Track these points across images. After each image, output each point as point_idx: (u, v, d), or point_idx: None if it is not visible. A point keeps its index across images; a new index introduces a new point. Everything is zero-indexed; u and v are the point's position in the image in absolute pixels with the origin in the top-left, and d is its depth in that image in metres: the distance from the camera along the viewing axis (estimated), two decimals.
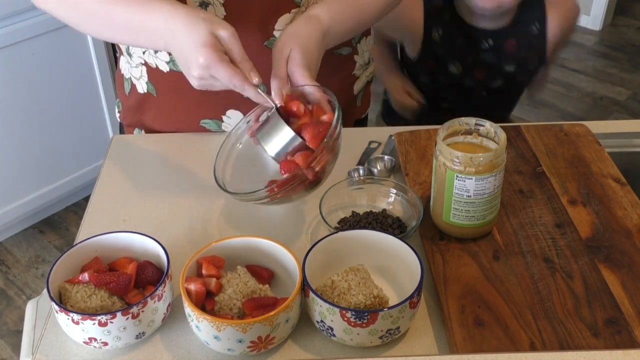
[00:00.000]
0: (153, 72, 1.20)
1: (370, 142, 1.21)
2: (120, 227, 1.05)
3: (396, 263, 0.91)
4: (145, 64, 1.20)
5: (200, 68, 0.91)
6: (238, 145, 1.05)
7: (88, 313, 0.82)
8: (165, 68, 1.18)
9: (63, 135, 2.42)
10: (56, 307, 0.82)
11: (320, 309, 0.82)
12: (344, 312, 0.80)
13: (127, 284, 0.86)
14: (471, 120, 0.98)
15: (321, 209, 1.01)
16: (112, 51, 2.45)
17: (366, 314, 0.80)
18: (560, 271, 0.93)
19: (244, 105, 1.17)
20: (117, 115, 1.34)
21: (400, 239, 0.90)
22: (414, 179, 1.11)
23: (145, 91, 1.23)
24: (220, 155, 1.03)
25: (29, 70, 2.24)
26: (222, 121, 1.22)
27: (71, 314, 0.81)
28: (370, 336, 0.82)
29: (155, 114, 1.25)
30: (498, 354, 0.81)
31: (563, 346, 0.82)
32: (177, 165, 1.19)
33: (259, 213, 1.08)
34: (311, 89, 0.97)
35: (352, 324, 0.80)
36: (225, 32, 0.92)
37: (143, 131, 1.30)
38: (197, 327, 0.82)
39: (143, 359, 0.85)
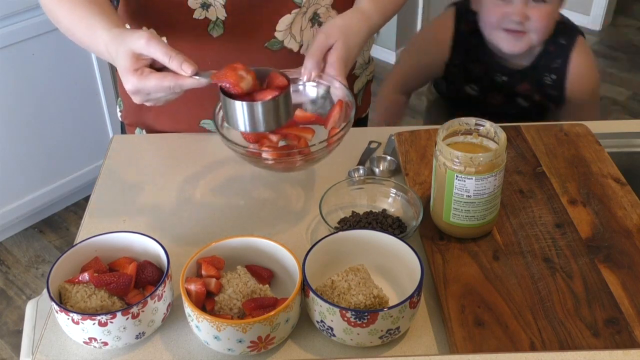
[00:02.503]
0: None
1: (370, 142, 1.21)
2: (120, 227, 1.05)
3: (396, 263, 0.91)
4: None
5: (132, 94, 0.92)
6: None
7: (88, 313, 0.82)
8: None
9: (63, 135, 2.42)
10: (56, 307, 0.82)
11: (320, 309, 0.82)
12: (344, 312, 0.80)
13: (128, 284, 0.86)
14: (471, 120, 0.98)
15: (321, 209, 1.01)
16: None
17: (366, 314, 0.80)
18: (560, 271, 0.93)
19: None
20: (119, 114, 1.34)
21: (400, 239, 0.90)
22: (414, 179, 1.11)
23: None
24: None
25: (29, 70, 2.24)
26: None
27: (71, 314, 0.81)
28: (370, 336, 0.82)
29: (156, 113, 1.25)
30: (498, 354, 0.81)
31: (563, 346, 0.82)
32: (177, 165, 1.19)
33: (259, 213, 1.08)
34: (338, 85, 0.99)
35: (352, 324, 0.80)
36: (140, 43, 0.90)
37: (144, 131, 1.29)
38: (197, 327, 0.82)
39: (143, 359, 0.85)
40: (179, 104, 1.22)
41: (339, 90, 0.99)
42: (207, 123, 1.24)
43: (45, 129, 2.37)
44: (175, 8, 1.10)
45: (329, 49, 1.00)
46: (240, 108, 0.90)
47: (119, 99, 1.35)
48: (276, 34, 1.13)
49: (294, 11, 1.12)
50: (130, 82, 0.91)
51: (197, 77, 0.90)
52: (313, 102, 1.03)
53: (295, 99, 0.97)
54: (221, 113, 0.97)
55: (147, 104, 0.95)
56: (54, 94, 2.33)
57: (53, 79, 2.31)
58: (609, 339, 0.83)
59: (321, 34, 1.00)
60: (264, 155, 0.95)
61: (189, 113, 1.23)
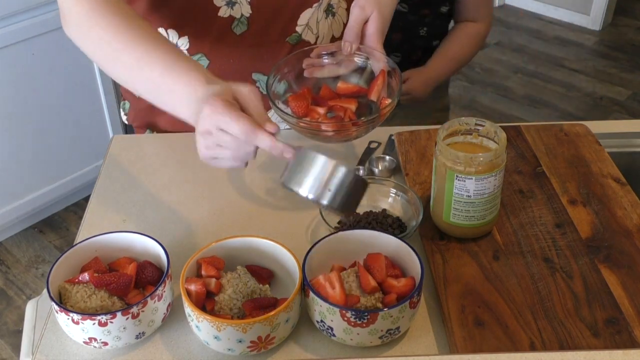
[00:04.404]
0: None
1: (370, 142, 1.21)
2: (120, 227, 1.05)
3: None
4: None
5: (205, 118, 0.81)
6: None
7: (88, 313, 0.82)
8: None
9: (63, 135, 2.42)
10: (56, 307, 0.82)
11: (320, 309, 0.82)
12: (344, 312, 0.80)
13: (128, 285, 0.86)
14: (471, 120, 0.98)
15: (321, 209, 1.01)
16: None
17: (366, 314, 0.80)
18: (560, 271, 0.93)
19: (264, 103, 1.17)
20: (124, 117, 1.34)
21: (400, 239, 0.90)
22: (414, 179, 1.11)
23: None
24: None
25: (29, 70, 2.24)
26: None
27: (71, 314, 0.81)
28: (370, 336, 0.82)
29: (170, 114, 1.24)
30: (498, 354, 0.81)
31: (563, 346, 0.82)
32: (177, 165, 1.19)
33: (259, 213, 1.08)
34: (379, 55, 1.01)
35: (352, 324, 0.80)
36: (245, 88, 0.84)
37: (155, 132, 1.29)
38: (197, 327, 0.82)
39: (143, 359, 0.85)
40: None
41: (380, 61, 1.02)
42: None
43: (45, 129, 2.37)
44: (200, 6, 1.11)
45: (366, 22, 1.02)
46: (325, 166, 0.79)
47: (123, 101, 1.34)
48: (297, 29, 1.14)
49: (314, 5, 1.14)
50: (210, 105, 0.81)
51: (276, 140, 0.80)
52: (354, 73, 1.06)
53: (336, 71, 1.03)
54: (275, 87, 1.00)
55: (208, 153, 0.85)
56: (54, 94, 2.33)
57: (53, 79, 2.31)
58: (609, 339, 0.83)
59: (356, 7, 1.03)
60: (323, 127, 0.96)
61: None
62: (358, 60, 1.05)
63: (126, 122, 1.34)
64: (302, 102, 0.98)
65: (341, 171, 0.79)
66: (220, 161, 0.86)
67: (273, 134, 0.81)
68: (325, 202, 0.80)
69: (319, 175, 0.79)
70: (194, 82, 0.87)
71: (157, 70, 0.90)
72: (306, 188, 0.80)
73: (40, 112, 2.33)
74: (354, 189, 0.82)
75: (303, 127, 0.97)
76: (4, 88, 2.20)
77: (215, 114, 0.80)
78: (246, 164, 0.86)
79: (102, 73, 2.42)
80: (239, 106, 0.83)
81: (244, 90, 0.84)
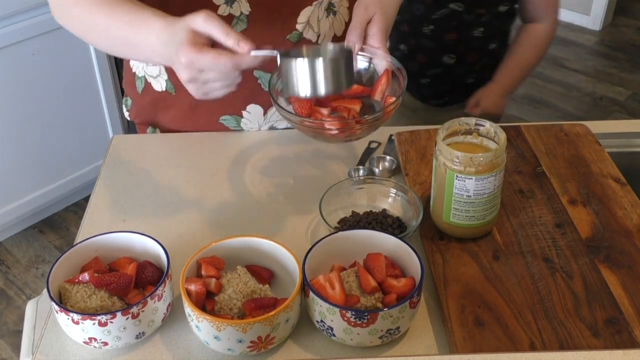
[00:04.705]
0: (172, 70, 1.19)
1: (370, 142, 1.21)
2: (120, 227, 1.05)
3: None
4: None
5: (185, 68, 0.88)
6: None
7: (88, 313, 0.82)
8: None
9: (63, 135, 2.42)
10: (56, 307, 0.82)
11: (320, 309, 0.82)
12: (344, 312, 0.80)
13: (128, 285, 0.86)
14: (471, 120, 0.98)
15: (321, 209, 1.01)
16: None
17: (366, 314, 0.80)
18: (560, 271, 0.93)
19: (264, 99, 1.19)
20: (126, 113, 1.34)
21: (401, 239, 0.90)
22: (414, 179, 1.11)
23: (164, 89, 1.23)
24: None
25: (29, 70, 2.24)
26: (242, 117, 1.22)
27: (71, 314, 0.81)
28: (370, 336, 0.82)
29: (173, 112, 1.25)
30: (498, 354, 0.81)
31: (563, 346, 0.82)
32: (177, 165, 1.19)
33: (259, 213, 1.08)
34: (382, 55, 1.01)
35: (352, 324, 0.80)
36: (199, 19, 0.88)
37: (158, 130, 1.29)
38: (197, 327, 0.82)
39: (143, 359, 0.85)
40: (199, 101, 1.20)
41: (383, 61, 1.02)
42: (226, 119, 1.23)
43: (45, 129, 2.37)
44: (199, 4, 1.10)
45: (369, 22, 1.02)
46: (302, 66, 0.87)
47: (125, 97, 1.35)
48: (297, 27, 1.14)
49: (314, 2, 1.14)
50: (184, 54, 0.86)
51: (255, 53, 0.87)
52: (358, 74, 1.05)
53: None
54: (278, 85, 0.99)
55: (200, 92, 0.90)
56: (54, 94, 2.33)
57: (53, 79, 2.31)
58: (609, 339, 0.83)
59: (360, 6, 1.03)
60: (327, 125, 0.96)
61: (209, 110, 1.23)
62: (361, 60, 1.04)
63: (128, 118, 1.34)
64: (305, 103, 0.97)
65: (319, 62, 0.87)
66: (214, 93, 0.91)
67: (249, 50, 0.87)
68: (322, 92, 0.88)
69: (304, 75, 0.87)
70: (154, 31, 0.92)
71: (124, 29, 0.96)
72: (300, 91, 0.88)
73: (40, 112, 2.33)
74: (343, 66, 0.89)
75: (307, 126, 0.97)
76: (4, 88, 2.20)
77: (191, 63, 0.86)
78: (238, 84, 0.91)
79: (102, 73, 2.42)
80: (205, 41, 0.88)
81: (200, 23, 0.88)
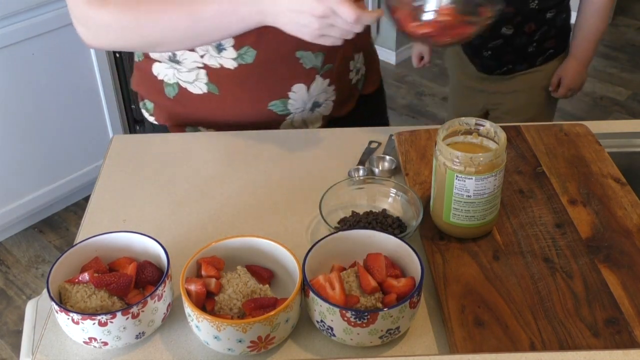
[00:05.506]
0: (215, 73, 1.20)
1: (370, 142, 1.21)
2: (120, 227, 1.05)
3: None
4: (205, 67, 1.20)
5: (320, 1, 0.92)
6: None
7: (88, 313, 0.82)
8: (232, 65, 1.18)
9: (63, 135, 2.42)
10: (56, 307, 0.82)
11: (320, 309, 0.82)
12: (344, 312, 0.80)
13: (128, 285, 0.86)
14: (471, 120, 0.98)
15: (321, 209, 1.01)
16: (113, 52, 2.44)
17: (366, 314, 0.80)
18: (560, 271, 0.93)
19: (307, 78, 1.21)
20: (151, 118, 1.32)
21: (401, 239, 0.90)
22: (414, 179, 1.11)
23: (205, 91, 1.22)
24: None
25: (29, 70, 2.24)
26: (289, 98, 1.23)
27: (71, 314, 0.81)
28: (370, 336, 0.82)
29: (219, 109, 1.25)
30: (498, 354, 0.81)
31: (563, 346, 0.82)
32: (177, 165, 1.19)
33: (259, 213, 1.08)
34: None
35: (352, 324, 0.80)
36: None
37: (202, 129, 1.29)
38: (197, 327, 0.82)
39: (143, 359, 0.85)
40: (244, 94, 1.22)
41: None
42: (274, 105, 1.23)
43: (45, 129, 2.37)
44: None
45: None
46: None
47: (142, 101, 1.33)
48: None
49: None
50: None
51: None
52: None
53: None
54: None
55: (315, 34, 0.96)
56: (54, 94, 2.34)
57: (53, 79, 2.31)
58: (609, 339, 0.83)
59: None
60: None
61: (256, 100, 1.23)
62: None
63: (154, 122, 1.32)
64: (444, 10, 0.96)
65: None
66: (327, 39, 0.97)
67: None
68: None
69: None
70: None
71: (212, 6, 1.02)
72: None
73: (40, 112, 2.33)
74: None
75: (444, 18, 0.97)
76: (4, 88, 2.21)
77: (327, 1, 0.92)
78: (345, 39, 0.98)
79: (102, 73, 2.42)
80: None
81: None
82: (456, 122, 0.98)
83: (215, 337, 0.81)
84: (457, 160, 0.92)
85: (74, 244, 0.92)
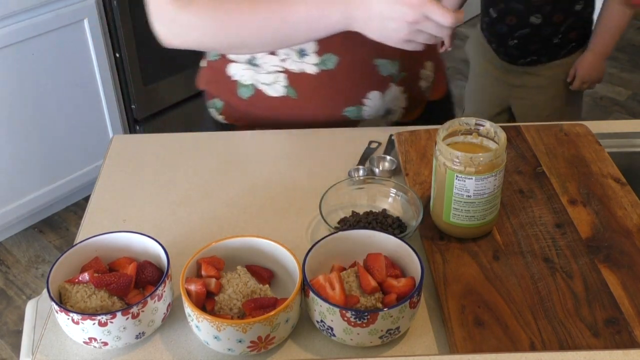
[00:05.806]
0: (295, 77, 1.20)
1: (370, 142, 1.21)
2: (120, 227, 1.05)
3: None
4: (285, 71, 1.20)
5: (412, 8, 0.94)
6: None
7: (88, 313, 0.82)
8: (313, 70, 1.18)
9: (63, 135, 2.42)
10: (56, 307, 0.82)
11: (320, 309, 0.82)
12: (344, 312, 0.80)
13: (128, 285, 0.86)
14: (471, 120, 0.98)
15: (321, 209, 1.01)
16: (113, 52, 2.44)
17: (366, 314, 0.80)
18: (560, 271, 0.93)
19: (383, 85, 1.22)
20: (219, 117, 1.31)
21: (401, 239, 0.90)
22: (414, 179, 1.11)
23: (284, 94, 1.22)
24: None
25: (29, 70, 2.24)
26: (364, 105, 1.23)
27: (71, 314, 0.81)
28: (370, 336, 0.82)
29: (295, 112, 1.25)
30: (498, 354, 0.81)
31: (563, 346, 0.82)
32: (177, 165, 1.19)
33: (259, 213, 1.08)
34: None
35: (352, 324, 0.80)
36: None
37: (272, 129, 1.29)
38: (197, 327, 0.82)
39: (143, 359, 0.85)
40: (321, 100, 1.23)
41: None
42: (349, 111, 1.24)
43: (45, 129, 2.37)
44: None
45: None
46: None
47: (213, 100, 1.31)
48: None
49: None
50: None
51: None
52: None
53: None
54: None
55: (406, 37, 0.98)
56: (54, 94, 2.34)
57: (53, 79, 2.31)
58: (609, 339, 0.83)
59: None
60: None
61: (333, 105, 1.23)
62: None
63: (223, 121, 1.32)
64: None
65: None
66: (410, 44, 1.00)
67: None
68: None
69: None
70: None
71: (301, 10, 1.03)
72: None
73: (40, 112, 2.33)
74: None
75: None
76: (4, 88, 2.21)
77: (421, 6, 0.94)
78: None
79: (102, 73, 2.42)
80: None
81: None
82: (456, 122, 0.98)
83: (215, 337, 0.81)
84: (457, 160, 0.92)
85: (74, 244, 0.92)
